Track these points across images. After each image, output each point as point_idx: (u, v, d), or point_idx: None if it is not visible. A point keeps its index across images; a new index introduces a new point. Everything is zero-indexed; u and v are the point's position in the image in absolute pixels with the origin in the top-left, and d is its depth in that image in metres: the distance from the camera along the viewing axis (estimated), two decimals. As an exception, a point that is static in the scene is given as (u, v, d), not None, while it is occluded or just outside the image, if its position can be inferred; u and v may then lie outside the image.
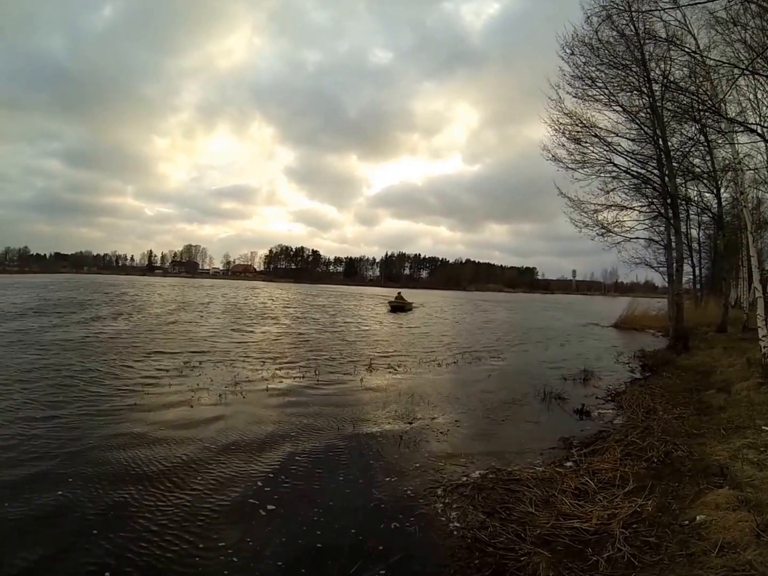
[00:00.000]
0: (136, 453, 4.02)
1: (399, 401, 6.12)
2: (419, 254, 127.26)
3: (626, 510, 2.85)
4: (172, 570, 2.50)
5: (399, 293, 28.08)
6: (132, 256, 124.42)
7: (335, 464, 3.99)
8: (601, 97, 11.11)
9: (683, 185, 11.87)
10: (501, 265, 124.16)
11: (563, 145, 11.92)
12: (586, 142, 11.58)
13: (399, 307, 26.16)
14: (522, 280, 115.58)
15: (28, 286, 31.60)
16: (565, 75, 11.37)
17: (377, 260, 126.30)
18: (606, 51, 10.71)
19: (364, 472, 3.83)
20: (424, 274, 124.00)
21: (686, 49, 8.96)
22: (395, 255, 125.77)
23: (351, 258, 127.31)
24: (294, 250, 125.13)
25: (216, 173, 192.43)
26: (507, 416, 5.63)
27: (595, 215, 12.24)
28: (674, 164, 11.25)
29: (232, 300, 28.41)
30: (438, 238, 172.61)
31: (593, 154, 11.58)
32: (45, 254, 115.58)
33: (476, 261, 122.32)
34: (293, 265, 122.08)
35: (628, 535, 2.59)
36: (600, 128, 11.42)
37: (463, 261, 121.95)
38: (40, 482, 3.36)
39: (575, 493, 3.18)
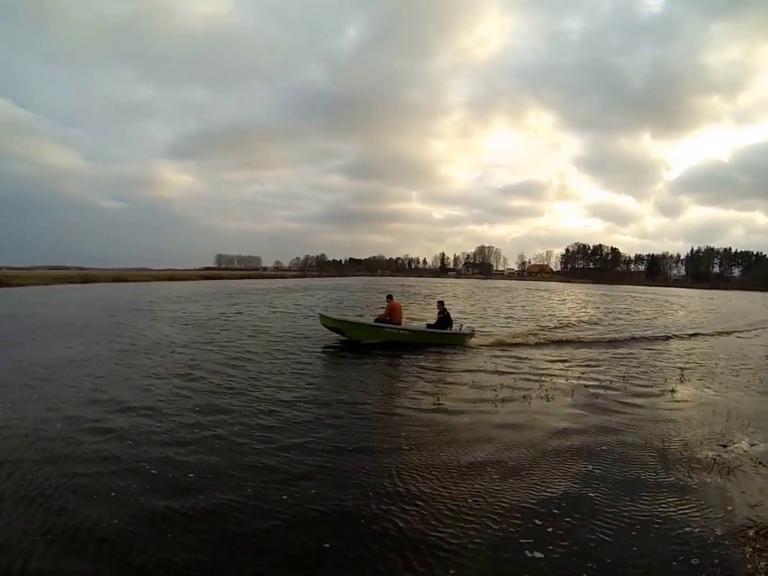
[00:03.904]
0: (402, 440, 4.71)
1: (712, 419, 5.62)
2: (730, 248, 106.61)
3: None
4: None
5: (441, 302, 11.97)
6: (424, 258, 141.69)
7: (635, 484, 3.89)
8: None
9: None
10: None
11: None
12: None
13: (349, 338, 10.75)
14: None
15: (331, 288, 39.68)
16: None
17: (682, 257, 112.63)
18: None
19: (667, 497, 3.68)
20: (735, 272, 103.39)
21: None
22: (702, 250, 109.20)
23: (653, 255, 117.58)
24: (591, 248, 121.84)
25: (500, 170, 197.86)
26: None
27: None
28: None
29: (537, 306, 25.98)
30: (752, 228, 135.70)
31: None
32: (340, 260, 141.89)
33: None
34: (591, 264, 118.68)
35: None
36: None
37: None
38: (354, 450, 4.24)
39: None
